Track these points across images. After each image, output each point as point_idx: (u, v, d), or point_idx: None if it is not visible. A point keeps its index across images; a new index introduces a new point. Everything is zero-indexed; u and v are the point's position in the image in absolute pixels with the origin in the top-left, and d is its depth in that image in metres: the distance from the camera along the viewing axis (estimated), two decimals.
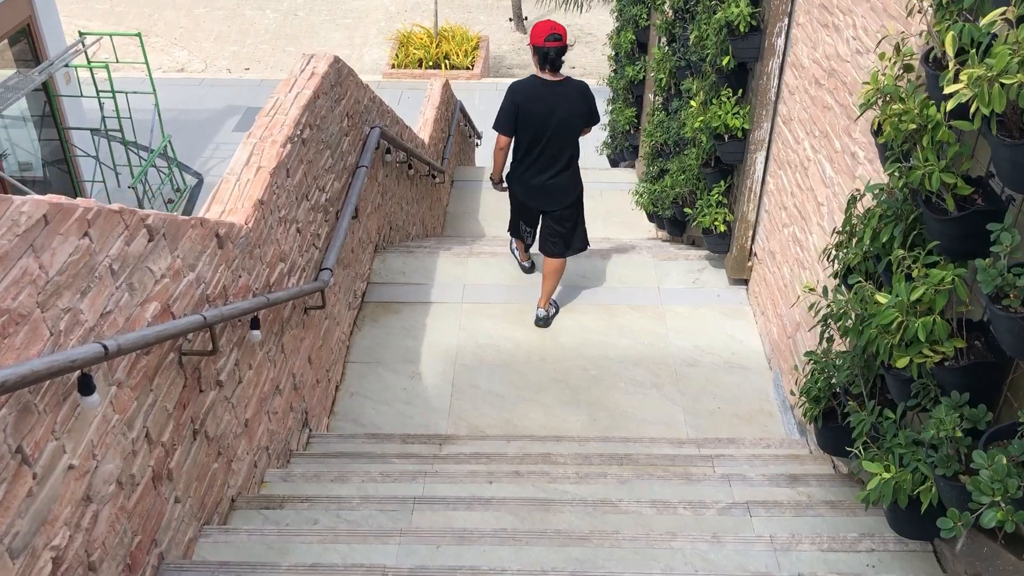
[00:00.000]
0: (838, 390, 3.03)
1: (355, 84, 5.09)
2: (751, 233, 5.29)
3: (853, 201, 2.70)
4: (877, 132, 2.62)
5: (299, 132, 3.98)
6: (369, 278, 5.59)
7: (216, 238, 3.03)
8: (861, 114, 2.58)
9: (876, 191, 2.52)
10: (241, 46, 20.31)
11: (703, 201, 5.40)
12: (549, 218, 5.20)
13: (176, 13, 21.62)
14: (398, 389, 4.73)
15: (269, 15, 22.07)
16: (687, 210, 5.58)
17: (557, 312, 5.38)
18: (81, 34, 12.10)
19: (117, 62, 12.58)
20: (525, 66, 19.31)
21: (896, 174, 2.45)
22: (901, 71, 2.59)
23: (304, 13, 22.44)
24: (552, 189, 5.05)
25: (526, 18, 21.71)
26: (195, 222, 2.85)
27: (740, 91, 5.04)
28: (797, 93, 4.45)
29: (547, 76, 4.83)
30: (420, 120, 9.18)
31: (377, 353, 4.99)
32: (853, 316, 2.64)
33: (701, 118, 5.03)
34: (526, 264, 5.81)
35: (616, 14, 11.68)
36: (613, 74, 11.69)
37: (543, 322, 5.27)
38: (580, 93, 4.89)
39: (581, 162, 5.26)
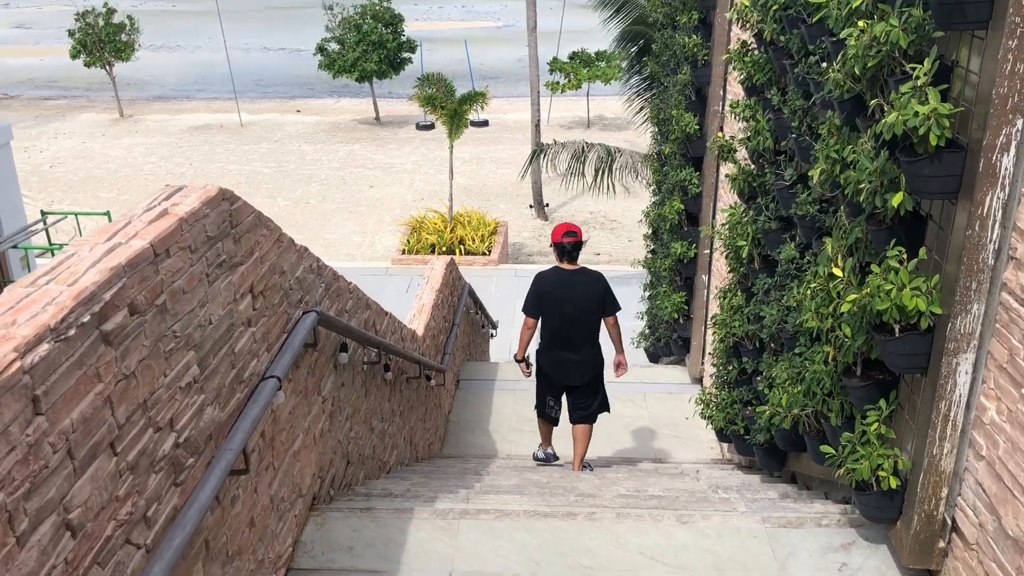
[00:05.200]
0: None
1: (275, 244, 3.13)
2: (946, 492, 3.06)
3: None
4: None
5: (89, 318, 1.94)
6: (291, 562, 3.34)
7: None
8: None
9: None
10: None
11: (852, 436, 3.21)
12: (573, 393, 5.92)
13: None
14: None
15: (280, 203, 21.27)
16: (826, 450, 3.33)
17: (592, 470, 5.78)
18: (43, 213, 10.66)
19: None
20: (547, 252, 17.91)
21: None
22: None
23: (316, 201, 21.65)
24: (574, 365, 5.74)
25: (547, 205, 20.68)
26: None
27: (917, 251, 2.99)
28: None
29: (566, 266, 5.64)
30: (416, 306, 7.25)
31: None
32: None
33: (854, 296, 2.95)
34: (551, 453, 6.24)
35: (653, 187, 10.04)
36: (651, 255, 9.76)
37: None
38: (595, 280, 5.64)
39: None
